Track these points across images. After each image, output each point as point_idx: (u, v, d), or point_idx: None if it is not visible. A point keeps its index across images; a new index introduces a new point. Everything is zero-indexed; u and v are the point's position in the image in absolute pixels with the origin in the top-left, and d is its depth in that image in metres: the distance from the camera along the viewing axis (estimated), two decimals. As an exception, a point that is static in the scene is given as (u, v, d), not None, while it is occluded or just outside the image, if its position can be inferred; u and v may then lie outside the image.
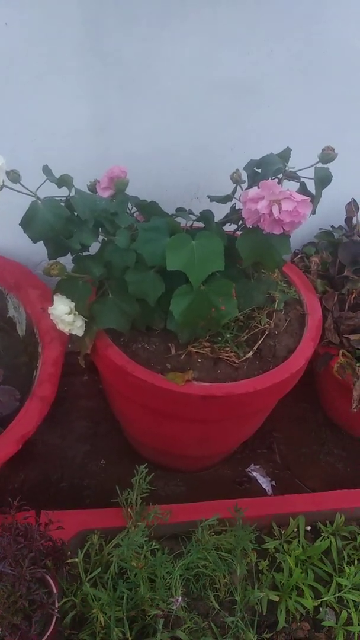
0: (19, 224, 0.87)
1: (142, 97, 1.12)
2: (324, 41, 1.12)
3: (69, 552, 0.92)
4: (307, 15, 1.07)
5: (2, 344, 1.26)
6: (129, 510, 1.00)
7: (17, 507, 0.88)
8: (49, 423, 1.32)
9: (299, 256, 1.40)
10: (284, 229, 0.85)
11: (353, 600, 1.00)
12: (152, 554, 0.95)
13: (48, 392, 1.02)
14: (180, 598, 0.87)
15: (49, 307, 0.96)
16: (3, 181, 0.82)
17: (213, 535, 0.99)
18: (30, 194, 0.86)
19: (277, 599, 0.98)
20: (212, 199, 1.03)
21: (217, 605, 0.95)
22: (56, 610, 0.83)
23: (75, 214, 0.91)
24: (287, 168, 0.88)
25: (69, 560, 0.91)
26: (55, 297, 0.95)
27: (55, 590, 0.86)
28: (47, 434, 1.36)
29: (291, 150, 0.92)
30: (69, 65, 1.05)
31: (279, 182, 0.87)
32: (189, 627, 0.89)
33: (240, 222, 0.99)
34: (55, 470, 1.30)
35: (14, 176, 0.83)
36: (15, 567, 0.81)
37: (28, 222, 0.87)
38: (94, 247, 0.96)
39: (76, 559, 0.92)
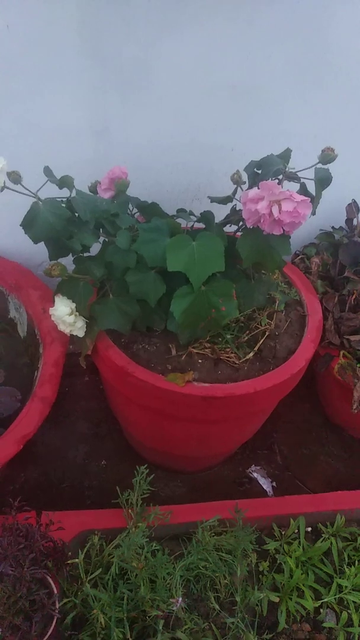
0: (20, 225, 0.88)
1: (142, 99, 1.13)
2: (322, 45, 1.13)
3: (70, 553, 0.92)
4: (305, 20, 1.08)
5: (3, 345, 1.26)
6: (130, 511, 1.00)
7: (17, 508, 0.88)
8: (49, 424, 1.32)
9: (299, 257, 1.40)
10: (284, 230, 0.85)
11: (353, 602, 1.00)
12: (152, 555, 0.94)
13: (49, 393, 1.02)
14: (180, 599, 0.87)
15: (50, 308, 0.96)
16: (4, 182, 0.82)
17: (213, 536, 0.99)
18: (31, 195, 0.86)
19: (277, 600, 0.98)
20: (213, 199, 1.03)
21: (217, 606, 0.95)
22: (57, 611, 0.83)
23: (76, 215, 0.91)
24: (287, 169, 0.88)
25: (69, 561, 0.91)
26: (56, 298, 0.96)
27: (55, 591, 0.86)
28: (48, 435, 1.36)
29: (291, 151, 0.92)
30: (70, 68, 1.05)
31: (279, 183, 0.88)
32: (189, 628, 0.89)
33: (241, 223, 0.99)
34: (56, 471, 1.30)
35: (15, 177, 0.84)
36: (16, 567, 0.81)
37: (29, 223, 0.87)
38: (95, 248, 0.97)
39: (77, 560, 0.92)
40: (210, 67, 1.11)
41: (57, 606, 0.84)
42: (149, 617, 0.88)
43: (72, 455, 1.34)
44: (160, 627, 0.87)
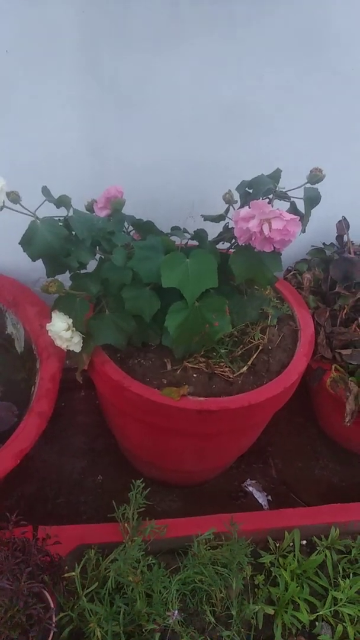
0: (19, 243, 0.90)
1: (138, 119, 1.16)
2: (313, 66, 1.16)
3: (66, 567, 0.93)
4: (297, 42, 1.12)
5: (1, 361, 1.28)
6: (126, 525, 1.00)
7: (14, 522, 0.89)
8: (46, 439, 1.33)
9: (291, 273, 1.43)
10: (274, 247, 0.87)
11: (349, 614, 1.00)
12: (148, 569, 0.95)
13: (46, 408, 1.03)
14: (176, 612, 0.88)
15: (47, 324, 0.98)
16: (3, 202, 0.85)
17: (209, 549, 0.99)
18: (30, 214, 0.89)
19: (273, 613, 0.99)
20: (206, 218, 1.06)
21: (213, 620, 0.95)
22: (53, 625, 0.83)
23: (73, 233, 0.94)
24: (277, 188, 0.91)
25: (66, 575, 0.92)
26: (53, 314, 0.97)
27: (52, 605, 0.86)
28: (45, 450, 1.36)
29: (281, 171, 0.96)
30: (67, 88, 1.08)
31: (270, 202, 0.91)
32: (185, 641, 0.90)
33: (233, 241, 1.01)
34: (52, 485, 1.30)
35: (14, 197, 0.86)
36: (12, 581, 0.81)
37: (27, 241, 0.89)
38: (91, 265, 0.99)
39: (73, 574, 0.92)
40: (204, 86, 1.14)
41: (54, 620, 0.84)
42: (145, 630, 0.89)
43: (69, 469, 1.34)
44: (157, 641, 0.88)
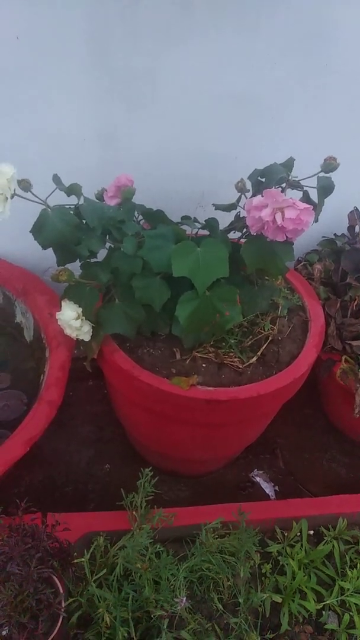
0: (30, 231, 0.90)
1: (148, 109, 1.15)
2: (325, 54, 1.15)
3: (75, 554, 0.94)
4: (308, 30, 1.10)
5: (10, 349, 1.28)
6: (134, 513, 1.01)
7: (24, 509, 0.89)
8: (55, 427, 1.33)
9: (302, 263, 1.42)
10: (287, 237, 0.87)
11: (355, 604, 1.01)
12: (156, 556, 0.96)
13: (55, 396, 1.03)
14: (184, 598, 0.88)
15: (57, 313, 0.98)
16: (14, 190, 0.84)
17: (217, 538, 1.00)
18: (41, 202, 0.89)
19: (280, 601, 0.99)
20: (217, 207, 1.05)
21: (220, 607, 0.96)
22: (62, 610, 0.84)
23: (84, 221, 0.93)
24: (290, 177, 0.90)
25: (75, 561, 0.93)
26: (63, 303, 0.97)
27: (61, 591, 0.87)
28: (53, 438, 1.37)
29: (294, 160, 0.95)
30: (78, 78, 1.08)
31: (283, 191, 0.90)
32: (193, 628, 0.90)
33: (245, 230, 1.01)
34: (60, 474, 1.31)
35: (25, 185, 0.86)
36: (22, 567, 0.82)
37: (38, 230, 0.89)
38: (102, 254, 0.99)
39: (82, 560, 0.93)
40: (214, 77, 1.13)
41: (63, 605, 0.85)
42: (153, 617, 0.90)
43: (77, 458, 1.35)
44: (165, 627, 0.88)
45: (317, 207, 0.90)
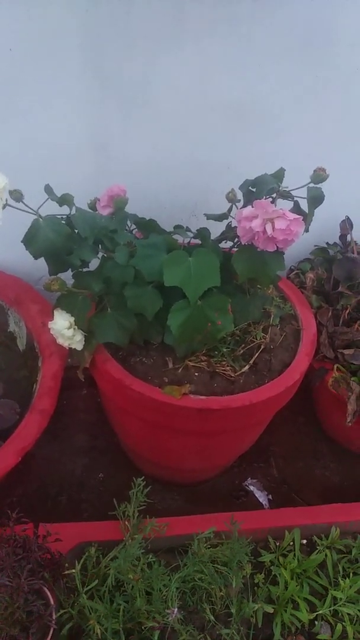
0: (22, 241, 0.90)
1: (141, 118, 1.16)
2: (317, 63, 1.16)
3: (67, 564, 0.93)
4: (300, 40, 1.11)
5: (3, 358, 1.28)
6: (126, 523, 1.01)
7: (15, 519, 0.89)
8: (47, 437, 1.33)
9: (294, 272, 1.42)
10: (277, 247, 0.87)
11: (348, 614, 1.01)
12: (148, 567, 0.95)
13: (47, 406, 1.03)
14: (176, 609, 0.88)
15: (49, 322, 0.98)
16: (6, 200, 0.85)
17: (209, 548, 0.99)
18: (32, 212, 0.89)
19: (272, 611, 0.99)
20: (209, 217, 1.06)
21: (212, 618, 0.95)
22: (53, 622, 0.83)
23: (76, 231, 0.94)
24: (280, 188, 0.91)
25: (66, 572, 0.92)
26: (55, 312, 0.97)
27: (52, 602, 0.87)
28: (46, 448, 1.37)
29: (285, 170, 0.95)
30: (70, 85, 1.08)
31: (273, 201, 0.90)
32: (184, 639, 0.90)
33: (236, 240, 1.01)
34: (53, 483, 1.31)
35: (16, 195, 0.86)
36: (13, 578, 0.81)
37: (30, 239, 0.90)
38: (94, 264, 0.99)
39: (73, 571, 0.93)
40: (207, 85, 1.14)
41: (54, 617, 0.85)
42: (144, 628, 0.89)
43: (70, 467, 1.35)
44: (156, 639, 0.88)
45: (307, 218, 0.91)
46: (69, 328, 0.97)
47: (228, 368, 1.03)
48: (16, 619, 0.80)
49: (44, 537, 0.91)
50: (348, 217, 1.42)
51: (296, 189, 0.91)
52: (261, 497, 1.34)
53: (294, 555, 1.07)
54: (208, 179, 1.27)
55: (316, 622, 1.01)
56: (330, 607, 1.01)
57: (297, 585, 1.02)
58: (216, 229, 1.06)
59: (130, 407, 1.03)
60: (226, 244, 1.05)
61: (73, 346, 1.00)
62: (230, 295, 0.99)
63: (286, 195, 0.92)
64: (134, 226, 1.07)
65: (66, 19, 1.00)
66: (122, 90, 1.11)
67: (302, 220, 0.84)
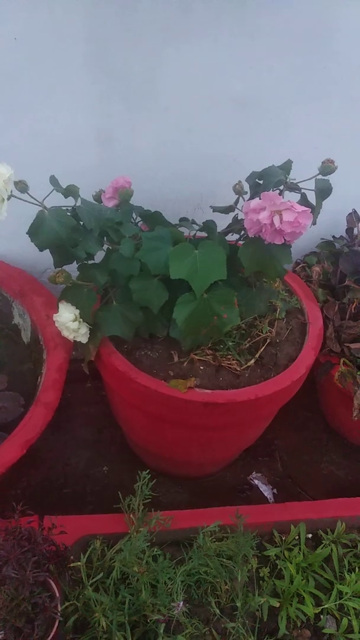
0: (27, 233, 0.89)
1: (146, 110, 1.15)
2: (323, 55, 1.15)
3: (72, 557, 0.93)
4: (307, 32, 1.10)
5: (7, 351, 1.28)
6: (131, 516, 1.01)
7: (20, 512, 0.89)
8: (52, 429, 1.33)
9: (300, 266, 1.42)
10: (285, 239, 0.86)
11: (354, 608, 1.00)
12: (153, 560, 0.95)
13: (52, 398, 1.03)
14: (181, 603, 0.88)
15: (54, 315, 0.98)
16: (11, 191, 0.84)
17: (214, 541, 0.99)
18: (37, 203, 0.88)
19: (278, 605, 0.99)
20: (215, 209, 1.05)
21: (218, 611, 0.95)
22: (58, 614, 0.83)
23: (81, 223, 0.93)
24: (288, 180, 0.90)
25: (71, 565, 0.92)
26: (60, 305, 0.97)
27: (57, 594, 0.86)
28: (51, 440, 1.37)
29: (292, 162, 0.94)
30: (76, 78, 1.07)
31: (280, 194, 0.89)
32: (190, 632, 0.90)
33: (242, 232, 1.00)
34: (58, 476, 1.31)
35: (21, 186, 0.86)
36: (18, 570, 0.81)
37: (35, 231, 0.89)
38: (99, 256, 0.98)
39: (79, 563, 0.93)
40: (213, 78, 1.13)
41: (59, 609, 0.84)
42: (150, 621, 0.89)
43: (74, 460, 1.35)
44: (161, 632, 0.88)
45: (315, 210, 0.90)
46: (74, 321, 0.96)
47: (234, 362, 1.02)
48: (21, 610, 0.80)
49: (49, 529, 0.91)
50: (355, 210, 1.41)
51: (304, 180, 0.90)
52: (266, 491, 1.34)
53: (300, 549, 1.07)
54: (214, 171, 1.26)
55: (322, 616, 1.00)
56: (335, 601, 1.01)
57: (302, 579, 1.02)
58: (222, 222, 1.05)
59: (135, 400, 1.03)
60: (232, 237, 1.05)
61: (78, 339, 0.99)
62: (236, 289, 0.98)
63: (293, 187, 0.91)
64: (139, 218, 1.06)
65: (72, 9, 0.99)
66: (128, 82, 1.10)
67: (310, 212, 0.83)
